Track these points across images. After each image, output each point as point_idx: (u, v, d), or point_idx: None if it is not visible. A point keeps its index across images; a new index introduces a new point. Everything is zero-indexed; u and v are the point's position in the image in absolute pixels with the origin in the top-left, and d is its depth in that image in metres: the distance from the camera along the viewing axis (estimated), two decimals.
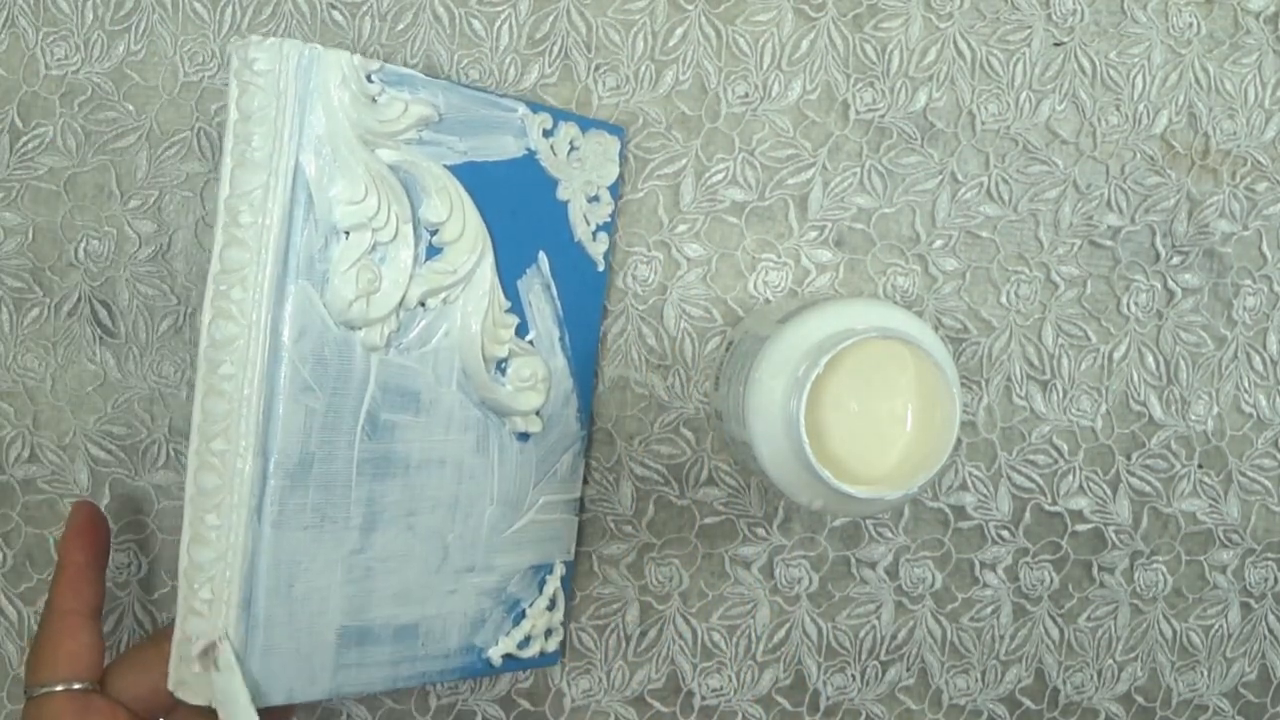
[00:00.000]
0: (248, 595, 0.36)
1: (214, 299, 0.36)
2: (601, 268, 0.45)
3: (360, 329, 0.38)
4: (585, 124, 0.44)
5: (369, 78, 0.38)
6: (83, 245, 0.45)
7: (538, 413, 0.43)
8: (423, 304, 0.39)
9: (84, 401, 0.45)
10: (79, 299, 0.45)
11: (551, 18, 0.46)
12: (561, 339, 0.44)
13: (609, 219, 0.45)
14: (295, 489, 0.37)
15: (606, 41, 0.46)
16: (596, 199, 0.44)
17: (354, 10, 0.46)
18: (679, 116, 0.47)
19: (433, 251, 0.39)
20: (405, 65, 0.45)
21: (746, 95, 0.47)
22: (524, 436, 0.43)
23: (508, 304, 0.42)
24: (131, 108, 0.45)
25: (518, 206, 0.42)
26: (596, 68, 0.46)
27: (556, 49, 0.46)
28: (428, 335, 0.40)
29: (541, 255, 0.43)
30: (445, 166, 0.39)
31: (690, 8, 0.46)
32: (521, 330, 0.42)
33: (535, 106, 0.42)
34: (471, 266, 0.40)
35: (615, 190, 0.45)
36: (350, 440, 0.38)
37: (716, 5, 0.46)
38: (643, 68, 0.46)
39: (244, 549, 0.36)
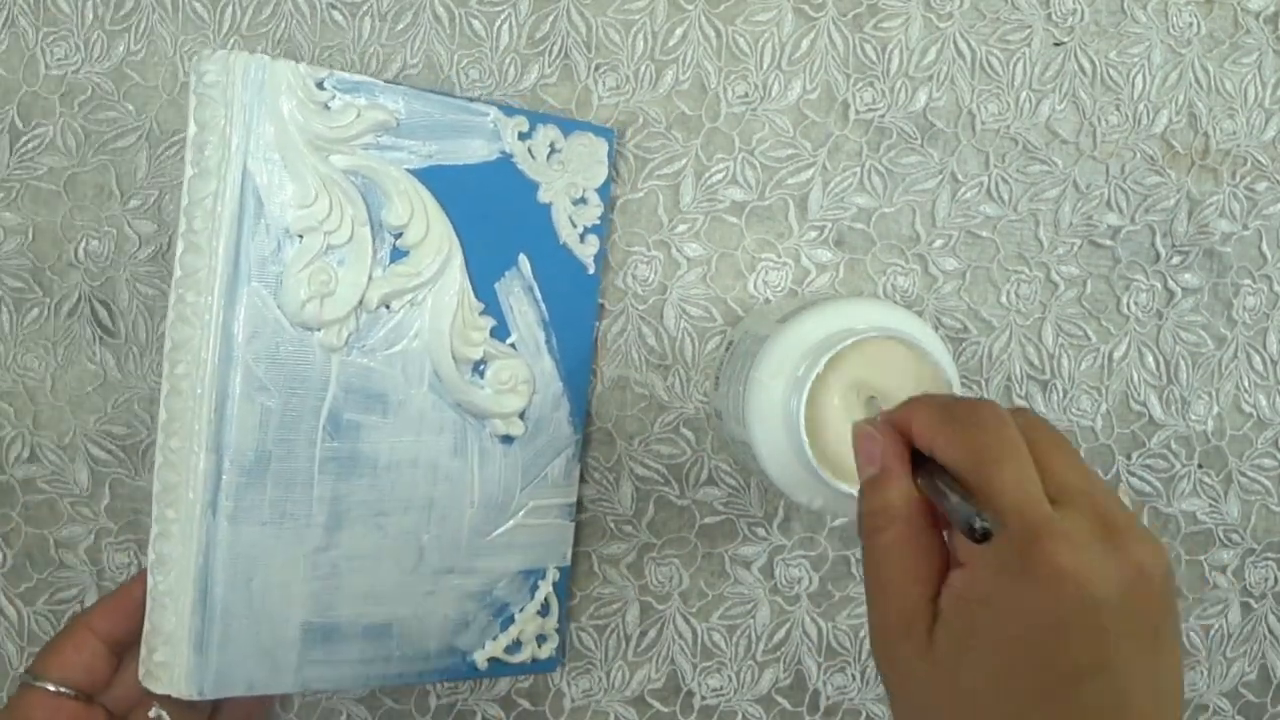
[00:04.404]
0: (204, 587, 0.38)
1: (174, 303, 0.38)
2: (592, 270, 0.45)
3: (317, 330, 0.39)
4: (569, 126, 0.44)
5: (320, 85, 0.39)
6: (83, 245, 0.45)
7: (521, 416, 0.43)
8: (387, 306, 0.40)
9: (84, 401, 0.45)
10: (79, 299, 0.45)
11: (551, 18, 0.46)
12: (548, 341, 0.44)
13: (599, 221, 0.45)
14: (252, 485, 0.38)
15: (606, 41, 0.46)
16: (584, 201, 0.44)
17: (354, 10, 0.46)
18: (679, 116, 0.47)
19: (398, 254, 0.40)
20: (406, 65, 0.46)
21: (746, 95, 0.47)
22: (508, 439, 0.43)
23: (480, 306, 0.42)
24: (131, 108, 0.45)
25: (492, 209, 0.42)
26: (596, 68, 0.46)
27: (556, 49, 0.46)
28: (395, 337, 0.40)
29: (522, 258, 0.43)
30: (408, 170, 0.40)
31: (690, 8, 0.46)
32: (501, 333, 0.43)
33: (510, 110, 0.43)
34: (437, 269, 0.41)
35: (605, 192, 0.45)
36: (311, 439, 0.39)
37: (716, 5, 0.47)
38: (643, 68, 0.46)
39: (199, 542, 0.38)
